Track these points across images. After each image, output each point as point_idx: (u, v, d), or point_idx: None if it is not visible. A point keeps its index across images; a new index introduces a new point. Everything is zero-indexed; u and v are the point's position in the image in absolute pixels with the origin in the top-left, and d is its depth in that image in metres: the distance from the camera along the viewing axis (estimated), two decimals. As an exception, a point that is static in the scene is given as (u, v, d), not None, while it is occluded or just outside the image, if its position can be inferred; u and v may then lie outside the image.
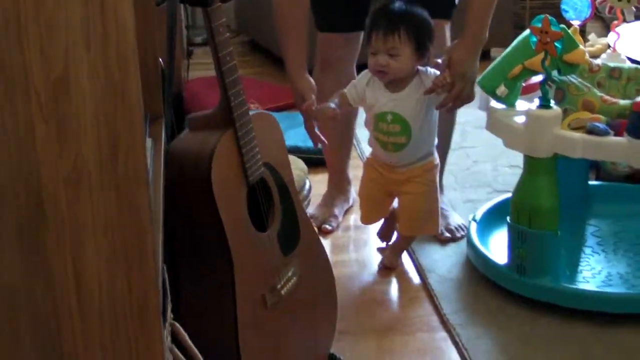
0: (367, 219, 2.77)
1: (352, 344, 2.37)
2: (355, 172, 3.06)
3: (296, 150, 3.22)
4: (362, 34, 2.79)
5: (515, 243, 2.48)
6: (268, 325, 1.88)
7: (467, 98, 2.55)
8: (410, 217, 2.66)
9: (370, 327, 2.46)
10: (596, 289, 2.49)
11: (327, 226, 2.91)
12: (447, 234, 2.84)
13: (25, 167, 1.09)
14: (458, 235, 2.85)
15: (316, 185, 3.10)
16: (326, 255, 2.15)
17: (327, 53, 2.84)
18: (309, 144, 3.50)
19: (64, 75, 1.06)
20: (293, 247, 1.99)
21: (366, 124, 2.64)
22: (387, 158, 2.60)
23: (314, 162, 3.29)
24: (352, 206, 3.06)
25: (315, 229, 2.23)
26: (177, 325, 1.43)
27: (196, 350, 1.47)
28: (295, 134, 3.30)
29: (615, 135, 2.35)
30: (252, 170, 1.83)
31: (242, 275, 1.79)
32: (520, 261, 2.48)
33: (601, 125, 2.34)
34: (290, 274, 1.95)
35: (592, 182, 3.08)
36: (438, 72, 2.50)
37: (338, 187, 3.05)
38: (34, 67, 1.05)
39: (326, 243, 2.79)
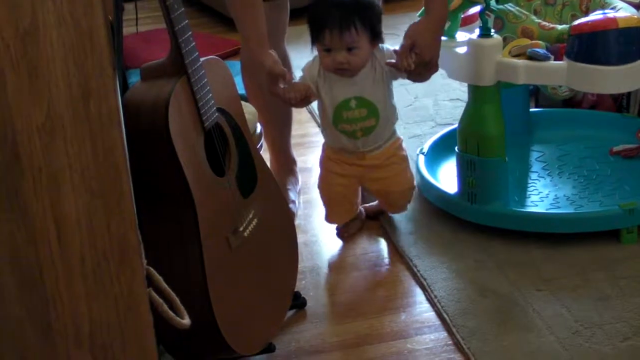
0: (336, 218, 2.62)
1: (313, 283, 2.42)
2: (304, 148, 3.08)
3: (243, 98, 3.23)
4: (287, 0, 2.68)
5: (465, 172, 2.54)
6: (234, 266, 1.92)
7: (435, 70, 2.41)
8: (398, 198, 2.59)
9: (330, 266, 2.51)
10: (545, 211, 2.57)
11: None
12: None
13: (-1, 117, 1.09)
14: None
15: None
16: (282, 196, 2.18)
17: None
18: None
19: (32, 26, 1.07)
20: (251, 189, 2.02)
21: (321, 120, 2.52)
22: (357, 146, 2.47)
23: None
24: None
25: (270, 170, 2.24)
26: (152, 269, 1.45)
27: (172, 293, 1.49)
28: (239, 82, 3.31)
29: (555, 59, 2.42)
30: (207, 116, 1.85)
31: (205, 219, 1.81)
32: (470, 189, 2.54)
33: (541, 51, 2.40)
34: (251, 215, 1.98)
35: (532, 109, 3.15)
36: (390, 47, 2.41)
37: (285, 168, 2.88)
38: (2, 19, 1.05)
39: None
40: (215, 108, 1.88)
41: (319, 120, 2.67)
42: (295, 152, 2.95)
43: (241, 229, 1.93)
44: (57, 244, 1.18)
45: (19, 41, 1.07)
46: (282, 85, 2.31)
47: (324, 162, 2.56)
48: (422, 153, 2.82)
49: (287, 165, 2.89)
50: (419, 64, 2.33)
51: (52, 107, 1.11)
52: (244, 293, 1.95)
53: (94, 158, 1.15)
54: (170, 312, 1.46)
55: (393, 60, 2.38)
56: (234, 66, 3.67)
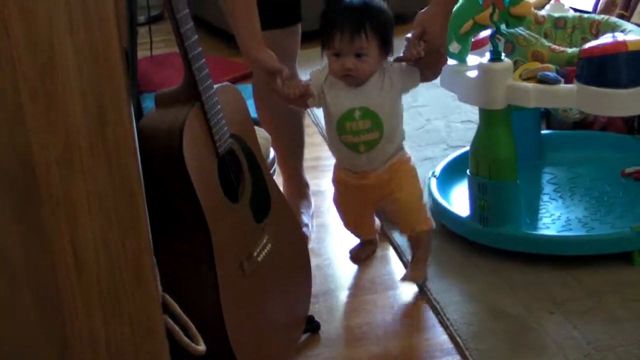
0: (352, 224, 2.58)
1: (327, 306, 2.43)
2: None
3: (255, 122, 3.26)
4: (299, 25, 2.69)
5: (477, 195, 2.55)
6: (248, 291, 1.93)
7: (445, 61, 2.41)
8: (407, 206, 2.46)
9: (343, 289, 2.52)
10: (557, 234, 2.58)
11: None
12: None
13: (19, 150, 1.12)
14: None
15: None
16: (296, 220, 2.20)
17: None
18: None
19: (50, 60, 1.09)
20: (265, 214, 2.04)
21: (326, 132, 2.46)
22: (360, 162, 2.39)
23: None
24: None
25: (284, 195, 2.25)
26: (167, 296, 1.47)
27: (188, 320, 1.51)
28: (252, 105, 3.34)
29: (566, 82, 2.43)
30: (220, 142, 1.87)
31: (219, 245, 1.83)
32: (482, 212, 2.55)
33: (551, 74, 2.42)
34: (265, 240, 2.00)
35: (544, 132, 3.16)
36: (397, 64, 2.36)
37: (298, 191, 2.85)
38: (21, 53, 1.08)
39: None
40: (228, 134, 1.90)
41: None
42: (308, 176, 2.97)
43: (255, 254, 1.95)
44: (74, 267, 1.21)
45: (38, 75, 1.09)
46: (279, 82, 2.28)
47: (335, 177, 2.51)
48: (434, 176, 2.83)
49: (300, 188, 2.88)
50: (428, 51, 2.30)
51: (69, 138, 1.14)
52: (258, 318, 1.97)
53: (110, 185, 1.18)
54: (186, 339, 1.48)
55: (401, 55, 2.36)
56: (245, 90, 3.69)
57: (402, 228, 2.53)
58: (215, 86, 1.87)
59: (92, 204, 1.18)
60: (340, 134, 2.36)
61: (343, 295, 2.50)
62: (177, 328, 1.45)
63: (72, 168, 1.14)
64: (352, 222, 2.57)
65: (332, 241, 2.73)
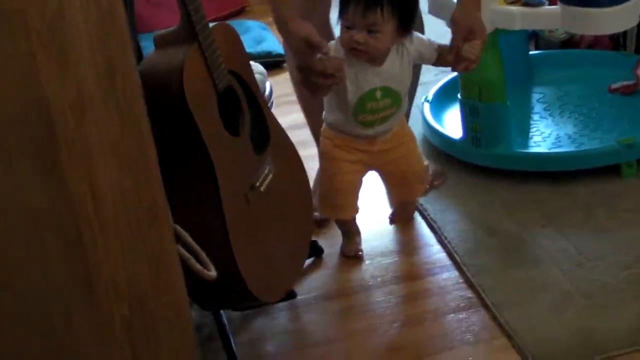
0: (347, 212, 2.42)
1: (329, 232, 2.54)
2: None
3: (250, 57, 3.33)
4: None
5: (468, 117, 2.64)
6: (253, 220, 2.02)
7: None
8: (414, 179, 2.41)
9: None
10: (547, 151, 2.67)
11: None
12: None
13: (34, 98, 1.19)
14: (436, 183, 2.63)
15: (277, 86, 3.22)
16: (295, 150, 2.28)
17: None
18: (260, 49, 3.64)
19: (59, 13, 1.17)
20: (265, 146, 2.12)
21: (334, 105, 2.28)
22: (368, 133, 2.29)
23: (271, 64, 3.44)
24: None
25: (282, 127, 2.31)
26: (178, 227, 1.56)
27: (198, 248, 1.61)
28: (245, 41, 3.41)
29: (550, 4, 2.51)
30: (219, 79, 1.94)
31: (223, 177, 1.92)
32: (474, 134, 2.64)
33: (536, -3, 2.49)
34: (266, 171, 2.08)
35: (532, 52, 3.24)
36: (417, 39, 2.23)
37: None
38: (31, 10, 1.16)
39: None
40: (226, 71, 1.98)
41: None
42: (290, 109, 3.02)
43: (257, 184, 2.04)
44: (93, 208, 1.28)
45: (48, 28, 1.17)
46: (317, 57, 2.12)
47: (328, 150, 2.34)
48: (427, 101, 2.91)
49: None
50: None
51: (81, 86, 1.21)
52: (264, 244, 2.06)
53: (121, 129, 1.26)
54: (198, 265, 1.58)
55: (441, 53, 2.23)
56: (240, 25, 3.77)
57: (401, 196, 2.50)
58: (211, 25, 1.94)
59: (106, 148, 1.25)
60: (358, 114, 2.24)
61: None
62: (188, 255, 1.55)
63: (85, 115, 1.22)
64: (345, 200, 2.39)
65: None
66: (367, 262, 2.38)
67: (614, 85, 2.94)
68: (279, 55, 3.62)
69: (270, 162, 2.12)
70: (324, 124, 2.35)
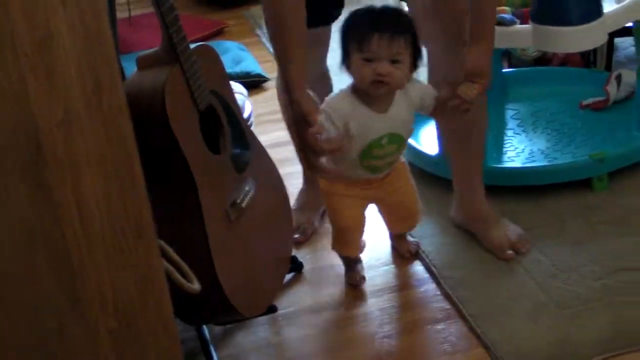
0: (352, 249, 2.42)
1: (309, 246, 2.59)
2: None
3: (229, 77, 3.38)
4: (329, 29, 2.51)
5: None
6: (234, 236, 2.07)
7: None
8: (413, 207, 2.42)
9: (323, 228, 2.67)
10: (522, 165, 2.74)
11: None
12: (510, 251, 2.44)
13: (22, 118, 1.24)
14: (523, 250, 2.45)
15: (257, 105, 3.29)
16: (276, 168, 2.33)
17: None
18: (239, 69, 3.69)
19: (47, 35, 1.21)
20: (246, 164, 2.17)
21: (342, 157, 2.19)
22: (371, 176, 2.28)
23: (250, 84, 3.50)
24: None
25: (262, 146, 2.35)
26: (162, 242, 1.60)
27: (182, 262, 1.66)
28: (224, 61, 3.47)
29: (521, 23, 2.57)
30: (200, 99, 1.99)
31: (205, 194, 1.96)
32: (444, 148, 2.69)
33: (507, 16, 2.56)
34: (247, 188, 2.13)
35: (505, 70, 3.30)
36: (418, 84, 2.22)
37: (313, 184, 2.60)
38: (20, 32, 1.20)
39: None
40: (207, 91, 2.03)
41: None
42: (270, 128, 3.10)
43: (239, 201, 2.08)
44: (80, 224, 1.32)
45: (36, 50, 1.22)
46: (311, 131, 2.06)
47: (327, 188, 2.34)
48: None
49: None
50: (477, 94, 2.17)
51: (69, 104, 1.26)
52: (245, 259, 2.11)
53: (108, 146, 1.30)
54: (182, 279, 1.62)
55: (436, 93, 2.22)
56: (219, 46, 3.83)
57: (400, 227, 2.49)
58: (192, 46, 1.99)
59: (93, 164, 1.29)
60: (364, 160, 2.21)
61: (323, 234, 2.64)
62: (173, 269, 1.59)
63: (73, 132, 1.26)
64: (351, 237, 2.39)
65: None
66: (344, 277, 2.42)
67: (585, 102, 3.01)
68: (258, 75, 3.68)
69: (251, 179, 2.16)
70: None
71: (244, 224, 2.09)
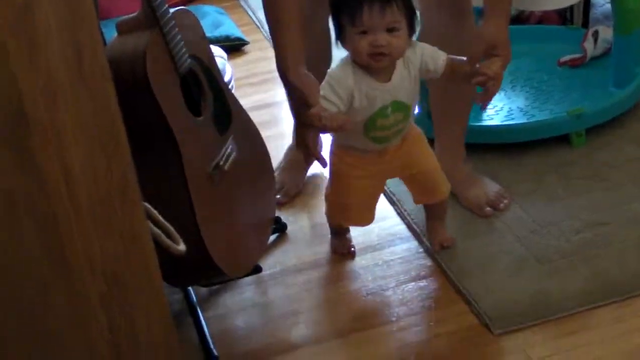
0: (362, 219, 2.36)
1: (292, 207, 2.62)
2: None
3: (209, 41, 3.38)
4: None
5: (423, 92, 2.71)
6: (218, 198, 2.09)
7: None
8: (436, 176, 2.30)
9: (306, 189, 2.71)
10: (500, 123, 2.76)
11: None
12: (489, 208, 2.47)
13: (5, 84, 1.24)
14: (502, 206, 2.48)
15: (237, 68, 3.29)
16: (257, 130, 2.35)
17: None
18: (218, 33, 3.69)
19: (28, 1, 1.22)
20: (227, 126, 2.19)
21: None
22: (380, 147, 2.20)
23: (230, 48, 3.50)
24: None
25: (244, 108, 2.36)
26: (147, 205, 1.62)
27: (167, 224, 1.67)
28: (204, 25, 3.46)
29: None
30: (180, 63, 2.01)
31: (188, 157, 1.98)
32: (429, 107, 2.71)
33: (484, -26, 2.56)
34: (229, 150, 2.15)
35: (483, 29, 3.31)
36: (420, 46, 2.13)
37: None
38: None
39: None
40: (187, 55, 2.04)
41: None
42: (263, 88, 3.10)
43: (221, 162, 2.10)
44: (66, 189, 1.33)
45: (17, 15, 1.22)
46: (312, 112, 2.03)
47: (337, 168, 2.26)
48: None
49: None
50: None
51: (51, 71, 1.27)
52: (229, 221, 2.13)
53: (92, 110, 1.32)
54: (168, 240, 1.64)
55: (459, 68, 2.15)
56: (198, 10, 3.82)
57: (428, 198, 2.36)
58: (171, 10, 2.00)
59: (77, 129, 1.30)
60: (369, 132, 2.14)
61: (306, 195, 2.68)
62: (159, 231, 1.61)
63: (56, 97, 1.27)
64: (359, 211, 2.32)
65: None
66: (329, 236, 2.45)
67: (563, 59, 3.04)
68: (238, 39, 3.68)
69: (233, 141, 2.18)
70: (332, 142, 2.27)
71: (227, 185, 2.12)
